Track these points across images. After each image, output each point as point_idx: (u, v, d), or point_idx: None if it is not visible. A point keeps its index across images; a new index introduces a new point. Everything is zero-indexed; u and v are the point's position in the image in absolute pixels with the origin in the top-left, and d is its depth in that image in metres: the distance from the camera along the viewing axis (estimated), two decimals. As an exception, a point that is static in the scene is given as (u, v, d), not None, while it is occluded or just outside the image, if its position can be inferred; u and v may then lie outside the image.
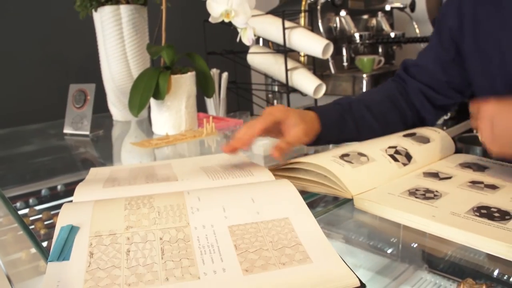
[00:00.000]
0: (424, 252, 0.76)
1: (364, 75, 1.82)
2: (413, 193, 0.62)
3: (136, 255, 0.46)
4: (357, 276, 0.43)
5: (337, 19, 1.91)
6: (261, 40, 1.86)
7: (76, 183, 0.68)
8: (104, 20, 1.25)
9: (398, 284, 0.72)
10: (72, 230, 0.49)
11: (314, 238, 0.50)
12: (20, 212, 1.01)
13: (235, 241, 0.49)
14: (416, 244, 0.76)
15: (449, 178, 0.68)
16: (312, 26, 1.74)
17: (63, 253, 0.45)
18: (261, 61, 1.54)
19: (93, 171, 0.78)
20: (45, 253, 0.55)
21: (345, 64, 1.94)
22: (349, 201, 0.64)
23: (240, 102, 1.67)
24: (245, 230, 0.50)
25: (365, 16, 2.08)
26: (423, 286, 0.70)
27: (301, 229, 0.51)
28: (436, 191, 0.62)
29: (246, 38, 0.98)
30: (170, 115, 1.12)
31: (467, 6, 0.83)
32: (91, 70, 1.59)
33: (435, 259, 0.74)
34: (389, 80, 0.98)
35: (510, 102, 0.63)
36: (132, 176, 0.70)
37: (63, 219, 0.51)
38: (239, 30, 0.99)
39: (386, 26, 2.07)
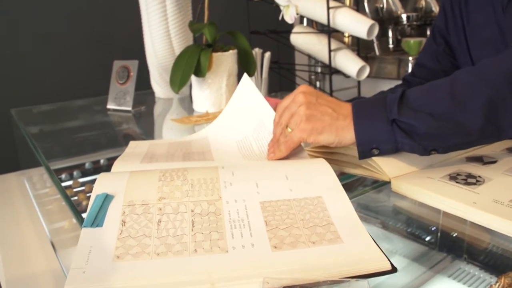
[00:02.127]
0: (464, 241, 0.74)
1: (410, 58, 1.77)
2: (454, 177, 0.60)
3: (167, 225, 0.46)
4: (389, 260, 0.42)
5: (384, -1, 1.86)
6: (305, 20, 1.83)
7: (117, 157, 0.70)
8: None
9: (434, 273, 0.70)
10: (107, 199, 0.50)
11: (346, 218, 0.49)
12: (65, 184, 1.05)
13: (266, 217, 0.48)
14: (455, 233, 0.74)
15: (494, 162, 0.65)
16: (357, 6, 1.69)
17: (97, 220, 0.46)
18: (304, 41, 1.52)
19: (132, 144, 0.79)
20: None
21: (390, 46, 1.89)
22: (386, 184, 0.62)
23: (283, 82, 1.66)
24: (277, 207, 0.50)
25: (414, -3, 2.01)
26: (461, 277, 0.68)
27: (334, 209, 0.50)
28: (479, 177, 0.60)
29: (289, 16, 0.97)
30: (211, 92, 1.12)
31: (447, 6, 0.94)
32: (135, 48, 1.62)
33: (475, 250, 0.72)
34: (398, 85, 1.05)
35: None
36: (169, 153, 0.71)
37: (99, 187, 0.52)
38: (281, 8, 0.98)
39: (435, 7, 1.99)
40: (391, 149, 0.60)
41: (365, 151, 0.61)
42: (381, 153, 0.61)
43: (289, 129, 0.63)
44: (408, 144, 0.59)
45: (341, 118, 0.61)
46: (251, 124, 0.76)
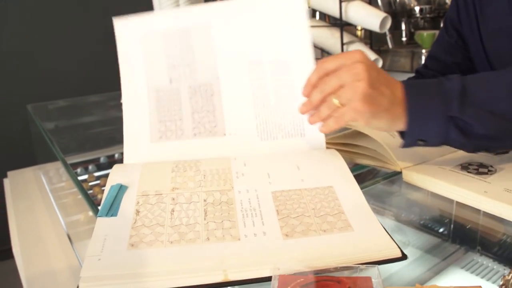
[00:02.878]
0: (477, 232, 0.73)
1: (424, 51, 1.75)
2: (465, 167, 0.60)
3: (180, 215, 0.47)
4: (399, 247, 0.42)
5: (397, -9, 1.85)
6: (317, 13, 1.82)
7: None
8: (163, 2, 1.27)
9: (447, 264, 0.70)
10: (121, 189, 0.51)
11: (357, 207, 0.50)
12: (80, 178, 1.07)
13: (278, 206, 0.49)
14: (468, 224, 0.73)
15: (506, 153, 0.65)
16: (370, -1, 1.68)
17: (112, 210, 0.47)
18: (316, 34, 1.52)
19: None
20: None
21: (403, 39, 1.87)
22: (398, 174, 0.63)
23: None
24: (288, 196, 0.51)
25: (428, -11, 1.99)
26: (474, 268, 0.68)
27: (345, 198, 0.51)
28: (491, 166, 0.60)
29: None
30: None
31: None
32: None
33: (488, 241, 0.72)
34: (410, 78, 1.02)
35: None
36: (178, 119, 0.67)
37: (113, 178, 0.54)
38: (293, 1, 0.98)
39: (449, 0, 1.97)
40: (438, 143, 0.57)
41: (412, 142, 0.57)
42: (427, 145, 0.57)
43: (335, 101, 0.54)
44: (460, 142, 0.55)
45: (397, 103, 0.54)
46: (271, 52, 0.66)
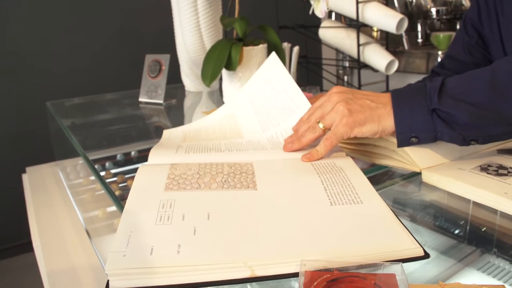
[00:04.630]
0: (494, 235, 0.73)
1: (440, 52, 1.75)
2: (485, 168, 0.60)
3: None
4: (422, 246, 0.43)
5: (414, -7, 1.85)
6: (333, 14, 1.83)
7: (149, 150, 0.71)
8: (180, -7, 1.28)
9: (463, 265, 0.70)
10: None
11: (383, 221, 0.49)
12: (96, 175, 1.09)
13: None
14: (485, 227, 0.74)
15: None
16: (386, 0, 1.68)
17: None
18: (333, 35, 1.52)
19: (166, 133, 0.82)
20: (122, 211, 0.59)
21: (419, 40, 1.87)
22: (416, 175, 0.63)
23: (311, 76, 1.66)
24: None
25: (444, -10, 1.98)
26: (490, 270, 0.68)
27: (372, 212, 0.50)
28: (510, 168, 0.60)
29: (319, 10, 0.98)
30: (241, 85, 1.14)
31: None
32: (165, 42, 1.65)
33: (505, 243, 0.72)
34: (426, 77, 1.04)
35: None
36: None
37: (141, 177, 0.55)
38: (312, 2, 0.99)
39: (466, 1, 1.97)
40: (430, 138, 0.61)
41: (404, 139, 0.61)
42: (420, 142, 0.62)
43: (320, 125, 0.64)
44: (447, 133, 0.59)
45: (381, 107, 0.62)
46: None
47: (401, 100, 0.61)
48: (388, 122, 0.61)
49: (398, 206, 0.77)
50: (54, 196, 1.24)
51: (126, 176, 1.07)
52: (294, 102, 0.76)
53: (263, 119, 0.79)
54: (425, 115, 0.59)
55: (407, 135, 0.61)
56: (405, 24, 1.33)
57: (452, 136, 0.59)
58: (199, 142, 0.74)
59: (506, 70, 0.58)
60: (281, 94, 0.78)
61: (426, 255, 0.42)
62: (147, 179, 0.55)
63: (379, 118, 0.61)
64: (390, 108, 0.61)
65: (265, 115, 0.79)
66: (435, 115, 0.59)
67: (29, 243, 1.02)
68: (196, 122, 0.90)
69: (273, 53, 0.83)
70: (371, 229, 0.46)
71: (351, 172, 0.59)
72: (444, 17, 1.85)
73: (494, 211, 0.55)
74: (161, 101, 1.29)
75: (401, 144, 0.62)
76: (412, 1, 1.84)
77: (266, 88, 0.81)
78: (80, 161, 1.34)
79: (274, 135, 0.75)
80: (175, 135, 0.80)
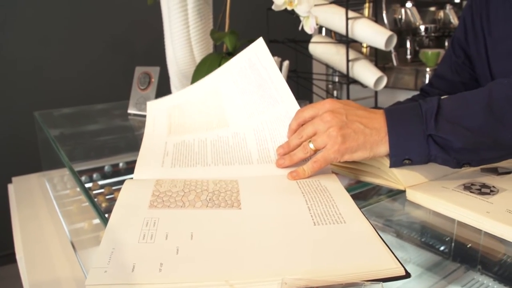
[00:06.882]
0: (478, 252, 0.74)
1: (428, 69, 1.77)
2: (468, 187, 0.61)
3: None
4: (403, 265, 0.43)
5: (403, 10, 1.87)
6: (323, 30, 1.85)
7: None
8: (171, 6, 1.29)
9: (447, 283, 0.70)
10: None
11: (365, 240, 0.49)
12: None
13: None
14: (470, 244, 0.74)
15: (509, 173, 0.66)
16: (376, 17, 1.71)
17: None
18: (322, 50, 1.53)
19: (150, 105, 0.85)
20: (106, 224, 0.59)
21: (408, 56, 1.89)
22: (401, 193, 0.64)
23: (300, 91, 1.67)
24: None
25: (432, 8, 2.01)
26: (474, 287, 0.69)
27: (354, 231, 0.50)
28: (493, 187, 0.61)
29: (308, 26, 0.99)
30: (229, 100, 1.14)
31: (468, 18, 0.93)
32: (155, 55, 1.65)
33: (489, 260, 0.72)
34: (415, 96, 1.05)
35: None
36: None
37: (125, 194, 0.55)
38: (301, 18, 1.00)
39: (454, 19, 2.00)
40: (423, 161, 0.61)
41: (398, 161, 0.61)
42: (413, 164, 0.62)
43: (311, 145, 0.63)
44: (441, 157, 0.59)
45: (374, 133, 0.61)
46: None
47: (396, 123, 0.60)
48: (381, 149, 0.61)
49: (384, 222, 0.78)
50: (40, 207, 1.23)
51: (114, 188, 1.07)
52: (279, 94, 0.75)
53: (247, 102, 0.79)
54: (421, 139, 0.59)
55: (401, 157, 0.61)
56: (394, 41, 1.35)
57: (446, 160, 0.59)
58: (184, 140, 0.74)
59: (502, 94, 0.59)
60: (266, 83, 0.77)
61: (407, 275, 0.43)
62: (132, 195, 0.55)
63: (372, 145, 0.61)
64: (384, 135, 0.61)
65: (249, 98, 0.79)
66: (431, 139, 0.58)
67: (13, 254, 1.01)
68: (181, 93, 0.90)
69: (261, 38, 0.81)
70: (353, 248, 0.46)
71: (336, 191, 0.59)
72: (433, 34, 1.88)
73: (478, 229, 0.55)
74: (150, 113, 1.29)
75: (394, 165, 0.62)
76: (401, 18, 1.86)
77: (250, 71, 0.80)
78: (67, 171, 1.33)
79: (259, 128, 0.75)
80: (160, 122, 0.80)
